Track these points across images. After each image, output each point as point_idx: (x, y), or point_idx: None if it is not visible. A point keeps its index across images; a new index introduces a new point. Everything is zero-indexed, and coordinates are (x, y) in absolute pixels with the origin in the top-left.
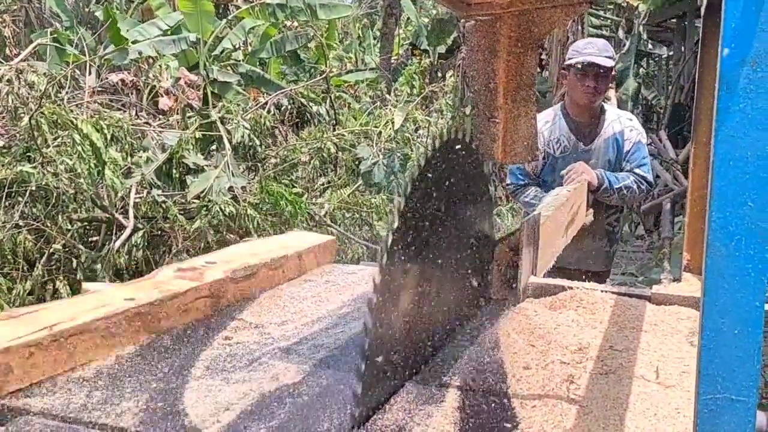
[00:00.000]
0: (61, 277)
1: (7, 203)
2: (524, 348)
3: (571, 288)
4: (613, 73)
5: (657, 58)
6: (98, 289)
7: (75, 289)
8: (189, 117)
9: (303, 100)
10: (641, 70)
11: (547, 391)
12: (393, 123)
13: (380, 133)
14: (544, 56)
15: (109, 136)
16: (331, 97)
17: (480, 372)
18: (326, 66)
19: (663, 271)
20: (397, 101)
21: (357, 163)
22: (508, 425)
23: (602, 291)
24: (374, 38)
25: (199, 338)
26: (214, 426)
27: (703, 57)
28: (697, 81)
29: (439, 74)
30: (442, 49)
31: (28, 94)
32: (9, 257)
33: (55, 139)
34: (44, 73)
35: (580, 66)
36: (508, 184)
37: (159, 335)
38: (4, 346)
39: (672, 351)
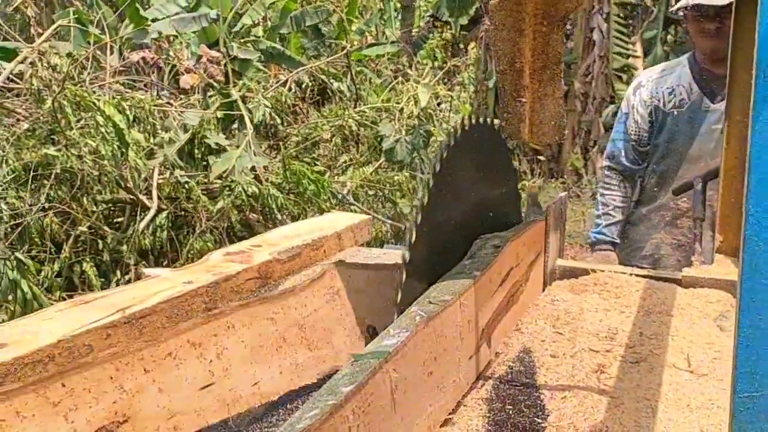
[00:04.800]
0: (88, 259)
1: (33, 186)
2: (551, 335)
3: (594, 271)
4: None
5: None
6: (157, 275)
7: (102, 271)
8: (210, 96)
9: (323, 76)
10: (669, 37)
11: (576, 382)
12: (416, 100)
13: (402, 109)
14: (568, 26)
15: (131, 117)
16: (352, 73)
17: (508, 362)
18: (347, 41)
19: (694, 252)
20: (419, 76)
21: (379, 140)
22: (538, 420)
23: (629, 274)
24: (395, 10)
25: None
26: None
27: (736, 33)
28: (730, 58)
29: (461, 46)
30: (464, 20)
31: (51, 76)
32: (36, 240)
33: (78, 121)
34: (67, 54)
35: (683, 13)
36: (602, 167)
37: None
38: (86, 328)
39: (701, 336)
